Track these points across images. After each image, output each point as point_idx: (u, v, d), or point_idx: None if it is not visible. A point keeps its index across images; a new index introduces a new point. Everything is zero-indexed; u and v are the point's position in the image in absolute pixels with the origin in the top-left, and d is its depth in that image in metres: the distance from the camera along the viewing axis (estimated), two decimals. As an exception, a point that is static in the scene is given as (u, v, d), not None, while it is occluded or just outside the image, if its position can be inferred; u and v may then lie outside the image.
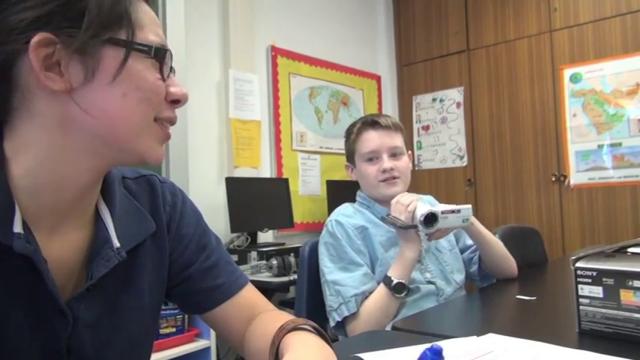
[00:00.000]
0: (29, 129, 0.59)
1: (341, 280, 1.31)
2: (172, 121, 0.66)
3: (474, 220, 1.37)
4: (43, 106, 0.58)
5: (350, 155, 1.54)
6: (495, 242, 1.45)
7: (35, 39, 0.54)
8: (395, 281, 1.26)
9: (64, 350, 0.63)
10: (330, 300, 1.32)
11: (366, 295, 1.29)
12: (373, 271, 1.36)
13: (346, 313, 1.27)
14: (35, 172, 0.59)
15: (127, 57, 0.58)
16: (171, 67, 0.64)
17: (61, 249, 0.63)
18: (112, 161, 0.64)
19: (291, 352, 0.62)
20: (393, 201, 1.34)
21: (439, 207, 1.31)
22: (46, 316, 0.61)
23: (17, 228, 0.57)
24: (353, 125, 1.53)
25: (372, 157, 1.46)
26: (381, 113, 1.57)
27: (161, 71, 0.62)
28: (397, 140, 1.48)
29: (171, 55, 0.64)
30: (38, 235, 0.60)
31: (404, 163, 1.48)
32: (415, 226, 1.28)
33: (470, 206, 1.31)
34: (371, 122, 1.47)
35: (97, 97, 0.58)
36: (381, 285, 1.29)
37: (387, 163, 1.43)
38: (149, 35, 0.61)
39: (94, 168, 0.63)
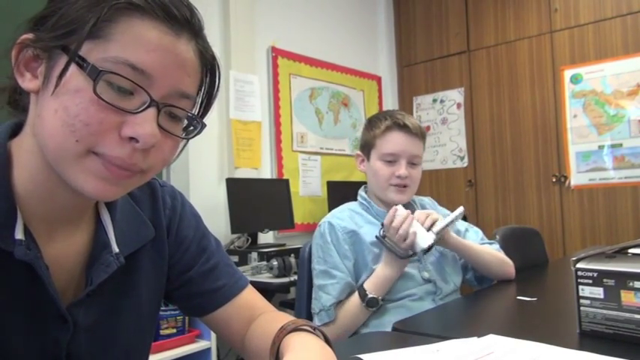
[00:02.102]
0: (26, 131, 0.60)
1: (324, 287, 1.33)
2: (115, 162, 0.55)
3: (452, 234, 1.37)
4: (32, 108, 0.59)
5: (366, 147, 1.49)
6: (483, 251, 1.43)
7: (19, 39, 0.56)
8: (369, 296, 1.27)
9: (63, 356, 0.63)
10: (314, 303, 1.35)
11: (341, 301, 1.32)
12: (358, 275, 1.36)
13: (326, 320, 1.30)
14: (34, 177, 0.60)
15: (66, 68, 0.53)
16: (154, 102, 0.55)
17: (60, 254, 0.63)
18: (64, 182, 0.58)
19: (292, 352, 0.62)
20: (386, 221, 1.27)
21: (435, 226, 1.28)
22: (47, 321, 0.61)
23: (19, 234, 0.57)
24: (379, 119, 1.47)
25: (391, 160, 1.43)
26: (408, 114, 1.51)
27: (102, 96, 0.52)
28: (419, 149, 1.46)
29: (147, 85, 0.55)
30: (39, 240, 0.59)
31: (418, 172, 1.46)
32: (414, 254, 1.28)
33: (462, 209, 1.32)
34: (402, 125, 1.42)
35: (43, 105, 0.55)
36: (356, 294, 1.30)
37: (403, 170, 1.41)
38: (119, 52, 0.53)
39: None
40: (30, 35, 0.56)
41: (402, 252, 1.27)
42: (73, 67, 0.53)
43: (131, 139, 0.55)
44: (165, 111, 0.58)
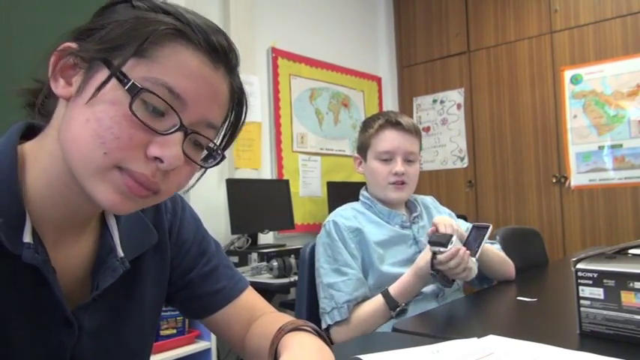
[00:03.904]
0: (49, 135, 0.61)
1: (335, 285, 1.31)
2: (138, 178, 0.56)
3: (462, 231, 1.37)
4: (59, 113, 0.60)
5: (362, 148, 1.51)
6: (487, 249, 1.42)
7: (61, 46, 0.58)
8: (400, 307, 1.26)
9: (67, 359, 0.63)
10: (324, 302, 1.32)
11: (357, 300, 1.30)
12: (365, 274, 1.35)
13: (338, 318, 1.28)
14: (52, 182, 0.60)
15: (107, 80, 0.54)
16: (183, 127, 0.57)
17: (67, 257, 0.64)
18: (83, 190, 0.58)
19: (289, 351, 0.63)
20: (444, 259, 1.19)
21: (477, 253, 1.26)
22: (52, 325, 0.61)
23: (27, 238, 0.57)
24: (373, 120, 1.48)
25: (387, 158, 1.44)
26: (403, 114, 1.53)
27: (136, 113, 0.54)
28: (414, 145, 1.46)
29: (180, 109, 0.56)
30: (46, 244, 0.60)
31: (415, 169, 1.46)
32: (454, 281, 1.27)
33: (490, 227, 1.31)
34: (395, 122, 1.44)
35: (73, 112, 0.56)
36: (382, 300, 1.27)
37: (399, 166, 1.42)
38: (160, 74, 0.55)
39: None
40: (73, 44, 0.58)
41: (449, 284, 1.26)
42: (112, 81, 0.54)
43: (156, 158, 0.56)
44: (190, 137, 0.59)
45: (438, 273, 1.23)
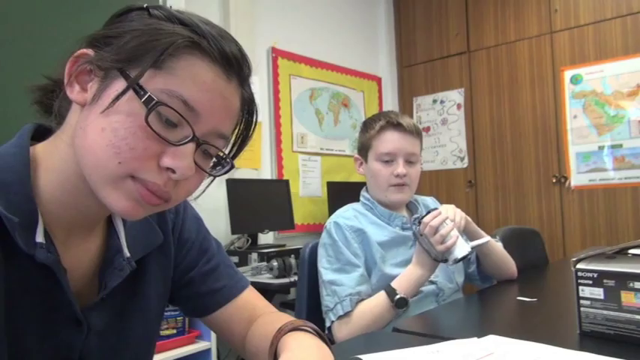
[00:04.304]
0: (62, 138, 0.61)
1: (337, 280, 1.30)
2: (151, 188, 0.57)
3: (469, 220, 1.37)
4: (72, 118, 0.60)
5: (363, 149, 1.50)
6: (492, 244, 1.44)
7: (77, 52, 0.58)
8: (398, 295, 1.23)
9: (75, 358, 0.64)
10: (327, 300, 1.31)
11: (361, 296, 1.29)
12: (369, 274, 1.35)
13: (341, 312, 1.27)
14: (63, 184, 0.61)
15: (124, 92, 0.55)
16: (196, 137, 0.57)
17: (76, 257, 0.64)
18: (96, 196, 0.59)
19: (288, 351, 0.63)
20: (427, 219, 1.23)
21: (471, 243, 1.28)
22: (62, 324, 0.62)
23: (39, 237, 0.58)
24: (374, 120, 1.48)
25: (388, 159, 1.43)
26: (404, 114, 1.52)
27: (150, 124, 0.54)
28: (415, 147, 1.46)
29: (193, 122, 0.57)
30: (57, 244, 0.60)
31: (416, 171, 1.46)
32: (445, 260, 1.25)
33: (491, 239, 1.33)
34: (396, 123, 1.43)
35: (89, 119, 0.57)
36: (383, 294, 1.26)
37: (401, 168, 1.41)
38: (175, 87, 0.56)
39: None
40: (90, 51, 0.58)
41: (437, 254, 1.23)
42: (129, 92, 0.55)
43: (168, 168, 0.57)
44: (201, 147, 0.59)
45: (422, 235, 1.23)
